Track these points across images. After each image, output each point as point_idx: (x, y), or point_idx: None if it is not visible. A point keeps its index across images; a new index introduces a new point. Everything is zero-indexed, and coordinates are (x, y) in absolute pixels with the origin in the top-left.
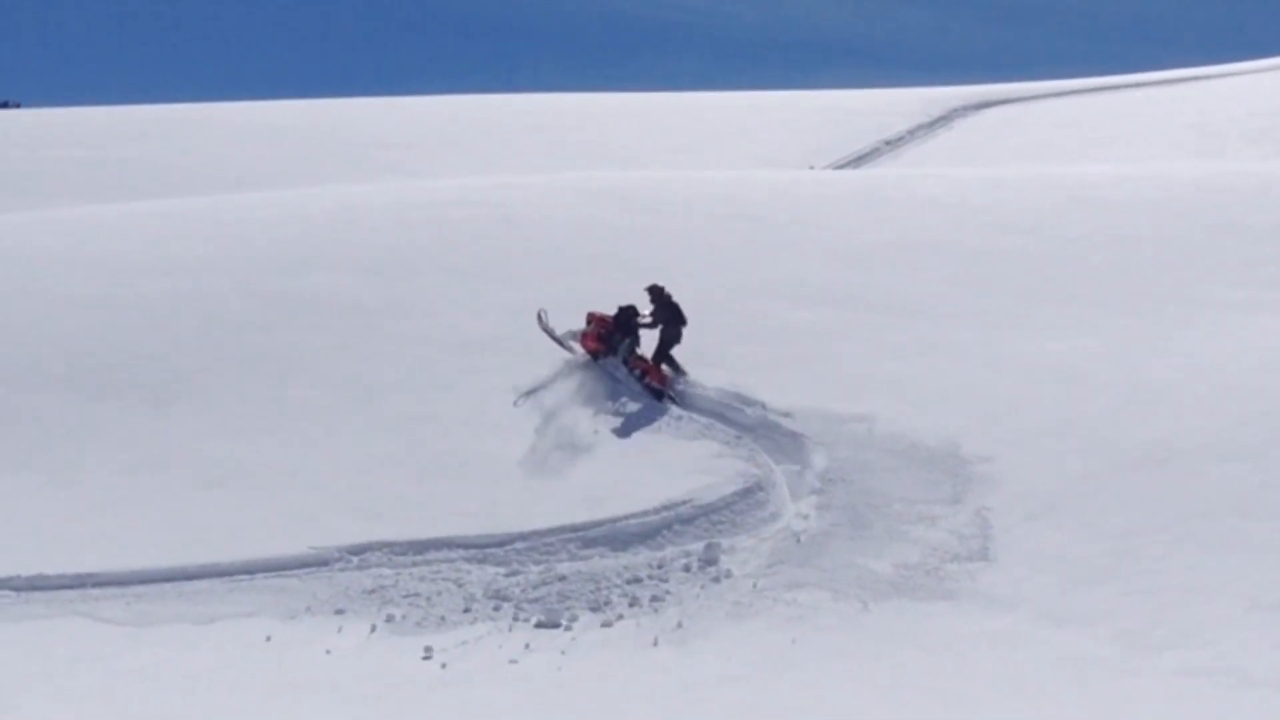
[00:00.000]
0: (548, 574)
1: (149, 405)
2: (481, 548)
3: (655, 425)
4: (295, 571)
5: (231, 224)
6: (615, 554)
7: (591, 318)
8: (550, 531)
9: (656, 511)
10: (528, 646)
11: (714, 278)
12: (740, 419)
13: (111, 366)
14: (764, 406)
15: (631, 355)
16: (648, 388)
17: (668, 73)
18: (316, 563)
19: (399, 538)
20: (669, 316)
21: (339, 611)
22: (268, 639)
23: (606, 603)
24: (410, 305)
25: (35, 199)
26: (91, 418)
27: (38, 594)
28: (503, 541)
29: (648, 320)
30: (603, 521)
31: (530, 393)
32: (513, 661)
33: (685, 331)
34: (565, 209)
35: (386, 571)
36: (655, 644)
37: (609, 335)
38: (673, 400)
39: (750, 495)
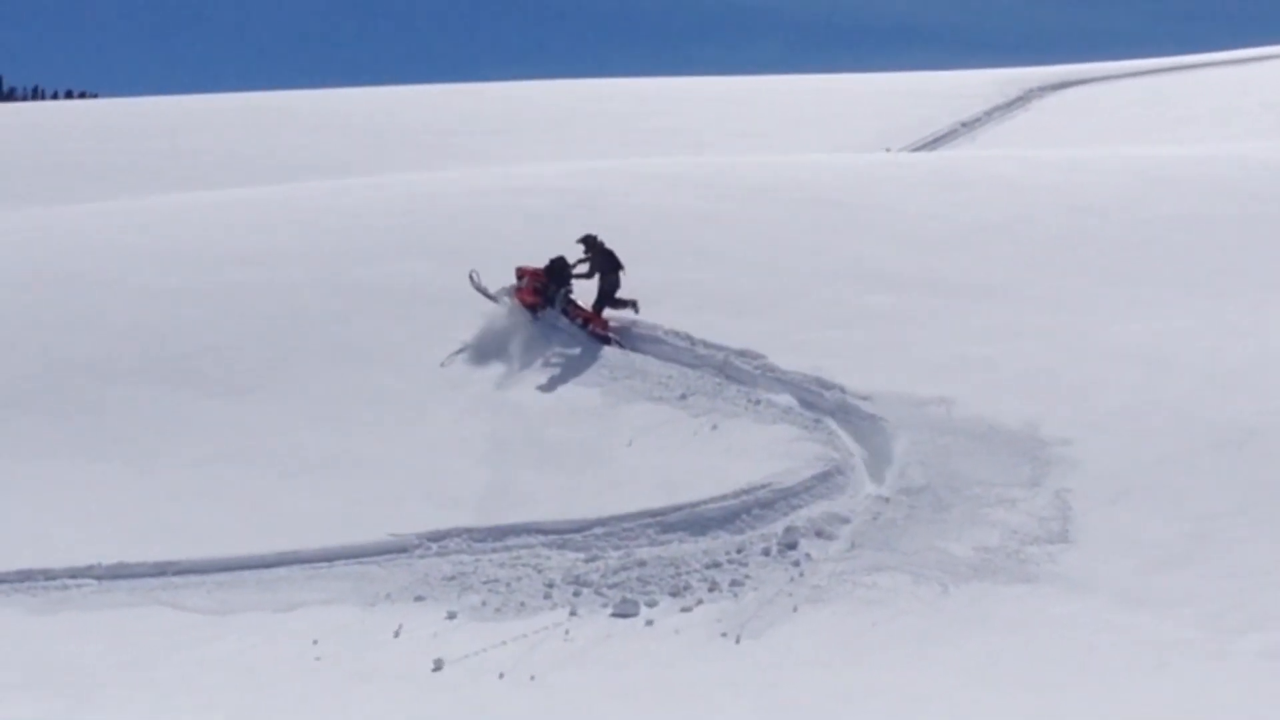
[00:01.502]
0: (627, 559)
1: (228, 395)
2: (561, 533)
3: (734, 409)
4: (375, 558)
5: (308, 213)
6: (695, 539)
7: (523, 272)
8: (629, 517)
9: (736, 496)
10: (608, 632)
11: (792, 262)
12: (819, 403)
13: (191, 356)
14: (843, 390)
15: (570, 305)
16: (592, 334)
17: (744, 57)
18: (396, 549)
19: (478, 524)
20: (605, 265)
21: (419, 598)
22: (347, 626)
23: (686, 588)
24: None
25: (111, 189)
26: (172, 408)
27: (120, 582)
28: (582, 527)
29: (583, 271)
30: (682, 506)
31: (458, 352)
32: (593, 646)
33: (623, 277)
34: (643, 195)
35: (466, 558)
36: (735, 629)
37: (544, 288)
38: (619, 344)
39: (829, 479)
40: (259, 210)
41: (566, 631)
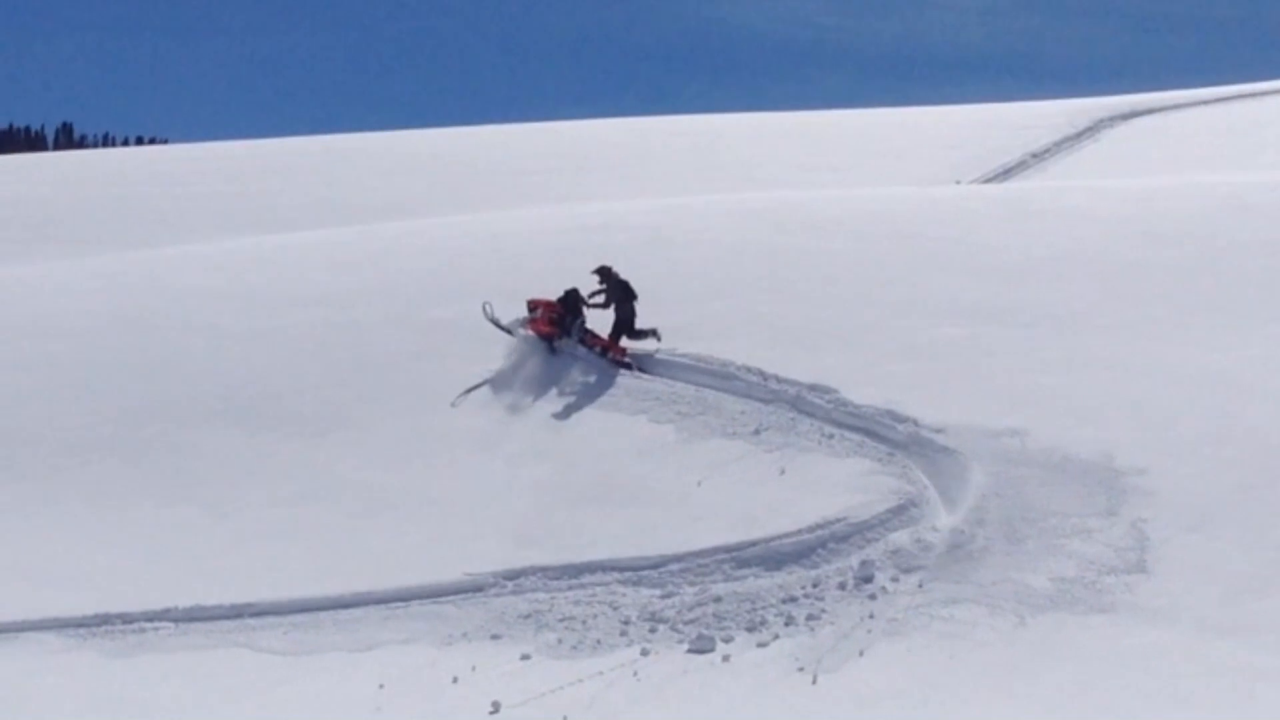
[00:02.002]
0: (703, 595)
1: (304, 436)
2: (636, 570)
3: (807, 444)
4: (451, 597)
5: (381, 254)
6: (770, 574)
7: (536, 304)
8: (705, 552)
9: (811, 530)
10: (684, 668)
11: (864, 296)
12: (893, 435)
13: (267, 398)
14: (916, 423)
15: (586, 334)
16: (612, 361)
17: (812, 92)
18: (472, 588)
19: (553, 562)
20: (620, 295)
21: (495, 637)
22: (424, 665)
23: (762, 623)
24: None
25: (185, 233)
26: (247, 450)
27: (196, 625)
28: (657, 563)
29: (598, 301)
30: (757, 541)
31: (474, 388)
32: (669, 683)
33: (638, 306)
34: (715, 231)
35: (541, 596)
36: (812, 664)
37: (560, 318)
38: (638, 370)
39: (904, 512)
40: (334, 252)
41: (635, 673)
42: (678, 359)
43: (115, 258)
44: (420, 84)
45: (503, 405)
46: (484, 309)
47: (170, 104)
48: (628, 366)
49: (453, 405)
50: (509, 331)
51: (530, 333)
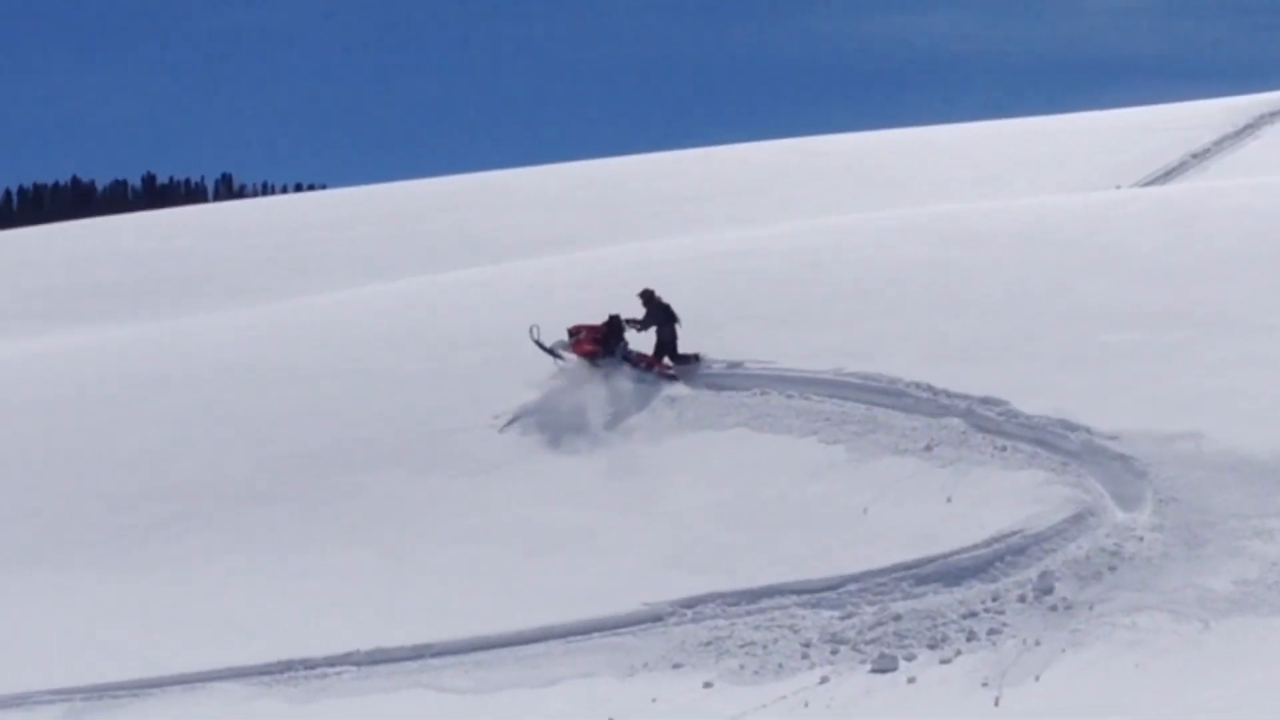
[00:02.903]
0: (883, 614)
1: (474, 475)
2: (814, 592)
3: (980, 457)
4: (630, 629)
5: (540, 289)
6: (949, 589)
7: (579, 329)
8: (883, 571)
9: (988, 544)
10: (868, 688)
11: (1029, 306)
12: (1065, 445)
13: (435, 438)
14: (1089, 431)
15: (630, 354)
16: (658, 374)
17: (963, 103)
18: (651, 619)
19: (731, 588)
20: (662, 318)
21: (676, 666)
22: (605, 699)
23: (944, 639)
24: (720, 356)
25: (346, 278)
26: (419, 491)
27: (378, 668)
28: (835, 584)
29: (639, 323)
30: (935, 557)
31: (513, 419)
32: (854, 704)
33: (679, 330)
34: (872, 249)
35: (721, 623)
36: (996, 678)
37: (604, 339)
38: (676, 380)
39: (1081, 521)
40: (490, 289)
41: (836, 690)
42: (846, 378)
43: (278, 306)
44: (572, 117)
45: (670, 434)
46: (531, 332)
47: (326, 150)
48: (672, 378)
49: (500, 431)
50: (554, 355)
51: (574, 354)
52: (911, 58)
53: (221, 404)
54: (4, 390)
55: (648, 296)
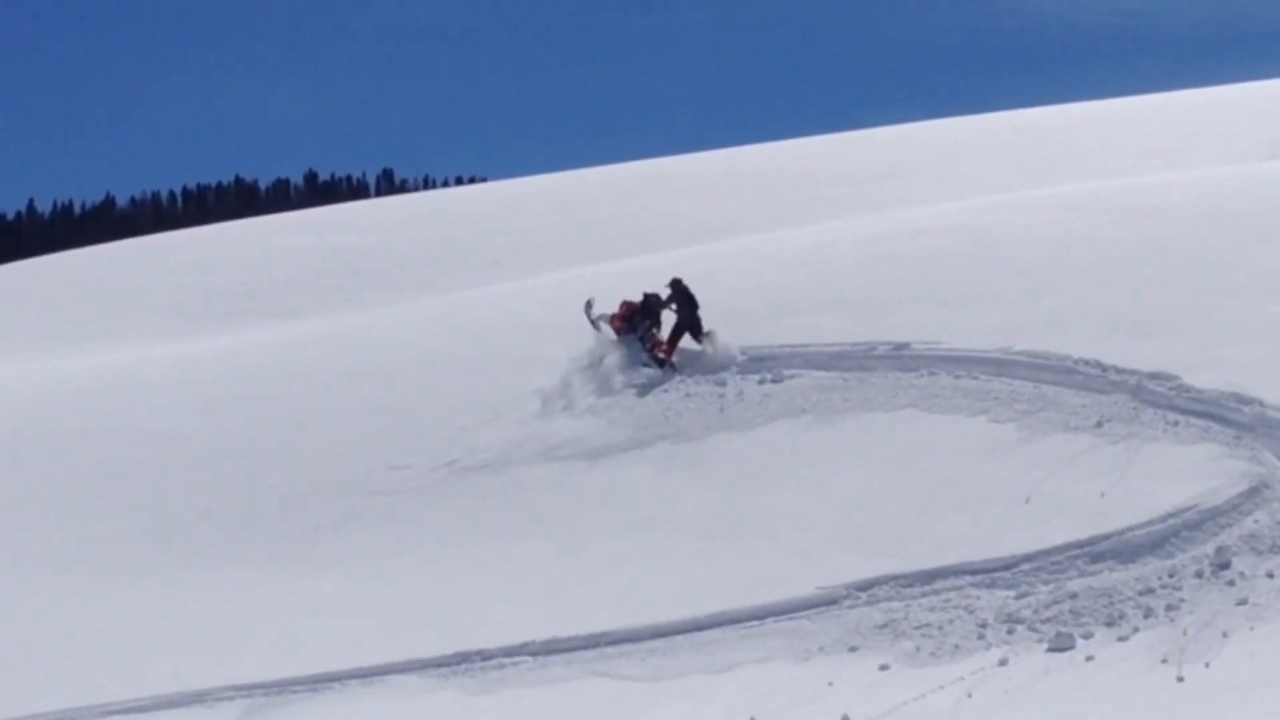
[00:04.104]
0: (1058, 592)
1: (646, 463)
2: (989, 572)
3: (1152, 433)
4: (805, 613)
5: (712, 272)
6: (1125, 566)
7: (623, 304)
8: (1057, 549)
9: (1163, 519)
10: (1046, 668)
11: (1197, 279)
12: (1238, 418)
13: (605, 429)
14: (1261, 404)
15: (648, 334)
16: (652, 357)
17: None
18: (825, 602)
19: (905, 569)
20: (683, 304)
21: (852, 649)
22: (782, 684)
23: (1121, 616)
24: (888, 338)
25: (511, 271)
26: (591, 480)
27: (554, 657)
28: (1009, 564)
29: (664, 304)
30: (1110, 535)
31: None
32: (1032, 683)
33: (700, 315)
34: (1040, 226)
35: (896, 605)
36: (1175, 655)
37: (631, 316)
38: (673, 368)
39: (1256, 494)
40: (657, 276)
41: (1013, 669)
42: (1014, 357)
43: (445, 299)
44: (733, 102)
45: (839, 416)
46: (586, 305)
47: (486, 142)
48: (660, 364)
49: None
50: (595, 327)
51: (608, 328)
52: (1075, 32)
53: (393, 399)
54: (179, 390)
55: (675, 285)
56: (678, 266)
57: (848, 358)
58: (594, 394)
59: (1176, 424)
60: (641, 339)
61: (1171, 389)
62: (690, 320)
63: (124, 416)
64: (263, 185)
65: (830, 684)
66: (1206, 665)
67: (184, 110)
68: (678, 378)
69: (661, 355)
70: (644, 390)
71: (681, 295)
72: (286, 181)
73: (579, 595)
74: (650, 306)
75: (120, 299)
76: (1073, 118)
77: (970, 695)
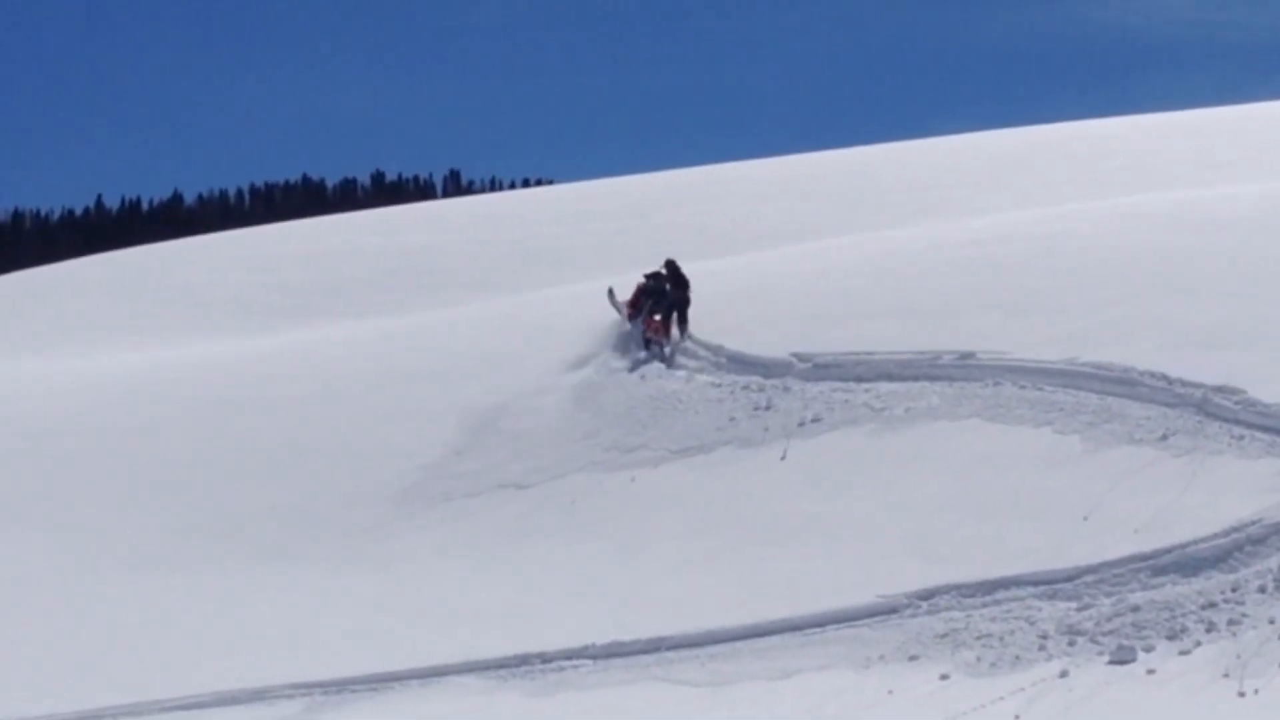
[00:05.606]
0: (1120, 605)
1: (709, 467)
2: (1051, 583)
3: (1216, 446)
4: (866, 620)
5: (774, 278)
6: (1187, 579)
7: (635, 290)
8: (1119, 562)
9: (1226, 534)
10: (1106, 680)
11: (1264, 292)
12: None
13: (668, 432)
14: None
15: (648, 316)
16: (643, 337)
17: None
18: (886, 610)
19: (966, 579)
20: (674, 283)
21: (912, 658)
22: (843, 690)
23: (1183, 630)
24: (953, 346)
25: (578, 271)
26: (653, 483)
27: (615, 660)
28: (1071, 575)
29: (658, 281)
30: (1172, 548)
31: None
32: (1093, 695)
33: (693, 296)
34: (1109, 235)
35: (956, 614)
36: (1237, 670)
37: (638, 300)
38: (660, 352)
39: None
40: (722, 279)
41: (1074, 681)
42: (1079, 368)
43: (512, 300)
44: (805, 107)
45: (904, 425)
46: (609, 293)
47: (553, 144)
48: (649, 344)
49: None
50: (619, 312)
51: (626, 313)
52: (1147, 43)
53: (460, 398)
54: (247, 386)
55: (670, 265)
56: (745, 271)
57: (913, 366)
58: (654, 397)
59: (1242, 438)
60: (644, 320)
61: (1237, 403)
62: (680, 300)
63: (191, 411)
64: (330, 184)
65: (890, 692)
66: (1270, 678)
67: (252, 108)
68: (740, 384)
69: (650, 335)
70: (707, 397)
71: (674, 275)
72: (354, 181)
73: (640, 599)
74: (650, 288)
75: (188, 295)
76: (1143, 129)
77: (1030, 706)
